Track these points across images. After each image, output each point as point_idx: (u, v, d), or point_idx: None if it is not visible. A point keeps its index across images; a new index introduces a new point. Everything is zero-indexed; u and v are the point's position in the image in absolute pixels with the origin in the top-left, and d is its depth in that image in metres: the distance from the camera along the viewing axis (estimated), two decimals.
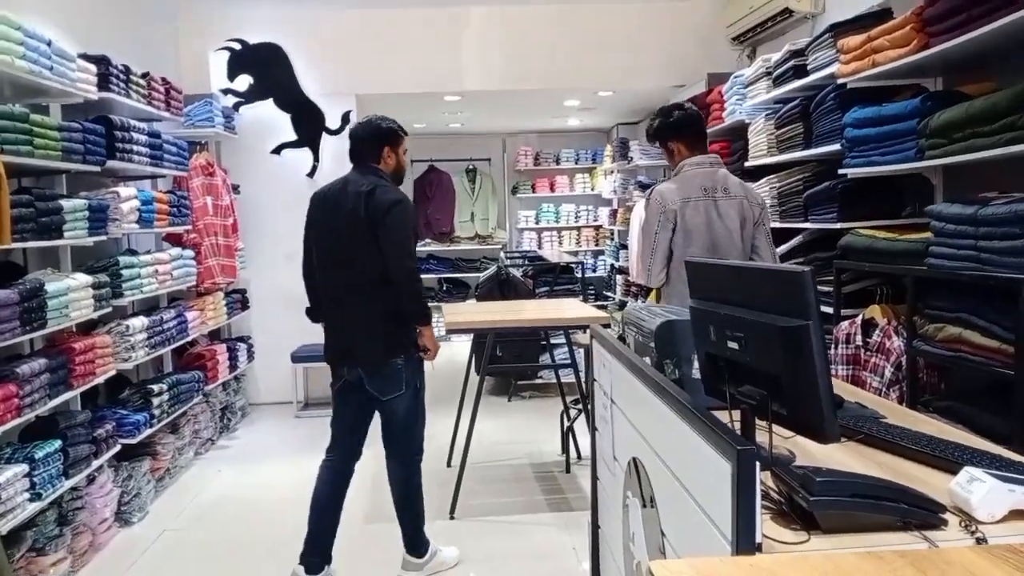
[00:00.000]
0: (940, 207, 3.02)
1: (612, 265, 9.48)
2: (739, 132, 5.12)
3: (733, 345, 1.65)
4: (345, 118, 6.67)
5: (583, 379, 4.89)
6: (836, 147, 3.77)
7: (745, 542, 1.13)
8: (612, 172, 9.46)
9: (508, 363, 6.27)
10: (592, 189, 10.44)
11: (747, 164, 4.90)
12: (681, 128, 3.40)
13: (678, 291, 3.20)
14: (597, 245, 10.53)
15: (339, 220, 3.34)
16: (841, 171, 3.73)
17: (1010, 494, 1.24)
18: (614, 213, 9.46)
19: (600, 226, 10.47)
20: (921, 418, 2.10)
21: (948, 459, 1.51)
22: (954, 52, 3.06)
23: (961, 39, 2.90)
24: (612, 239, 9.95)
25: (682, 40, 6.63)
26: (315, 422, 6.16)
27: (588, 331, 2.46)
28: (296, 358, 6.35)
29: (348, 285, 3.38)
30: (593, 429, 2.45)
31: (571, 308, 4.40)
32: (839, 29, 3.82)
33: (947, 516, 1.24)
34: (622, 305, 8.58)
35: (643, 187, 8.06)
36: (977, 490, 1.25)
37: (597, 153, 10.35)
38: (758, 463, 1.14)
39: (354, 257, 3.33)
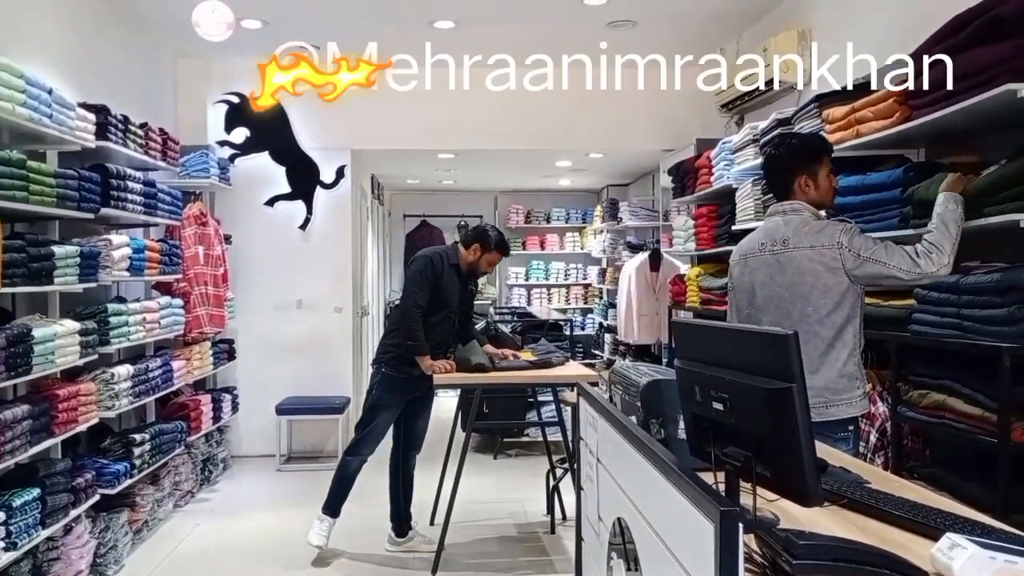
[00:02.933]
0: None
1: (600, 323, 9.52)
2: (727, 196, 5.21)
3: (718, 406, 1.67)
4: (340, 172, 6.76)
5: (570, 437, 4.87)
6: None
7: None
8: (602, 232, 9.57)
9: (494, 420, 6.24)
10: (582, 248, 10.55)
11: (734, 227, 4.97)
12: (765, 170, 3.14)
13: None
14: (586, 303, 10.59)
15: None
16: None
17: (991, 561, 1.24)
18: (603, 272, 9.54)
19: (589, 284, 10.54)
20: (905, 484, 2.11)
21: (930, 525, 1.52)
22: (935, 126, 3.15)
23: (939, 114, 2.99)
24: (601, 298, 10.01)
25: (672, 105, 6.77)
26: (298, 476, 6.10)
27: (575, 389, 2.46)
28: (281, 410, 6.30)
29: None
30: (578, 488, 2.44)
31: (559, 366, 4.40)
32: (824, 100, 3.92)
33: None
34: (610, 363, 8.58)
35: (632, 247, 8.16)
36: (958, 556, 1.26)
37: (587, 213, 10.48)
38: (741, 525, 1.14)
39: None
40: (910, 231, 3.24)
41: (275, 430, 6.29)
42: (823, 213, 3.01)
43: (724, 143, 5.18)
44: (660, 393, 2.04)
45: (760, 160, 4.58)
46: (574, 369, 4.38)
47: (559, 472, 4.92)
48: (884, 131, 3.38)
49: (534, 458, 6.38)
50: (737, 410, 1.61)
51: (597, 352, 9.40)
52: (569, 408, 4.98)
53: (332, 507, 4.32)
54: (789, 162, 2.99)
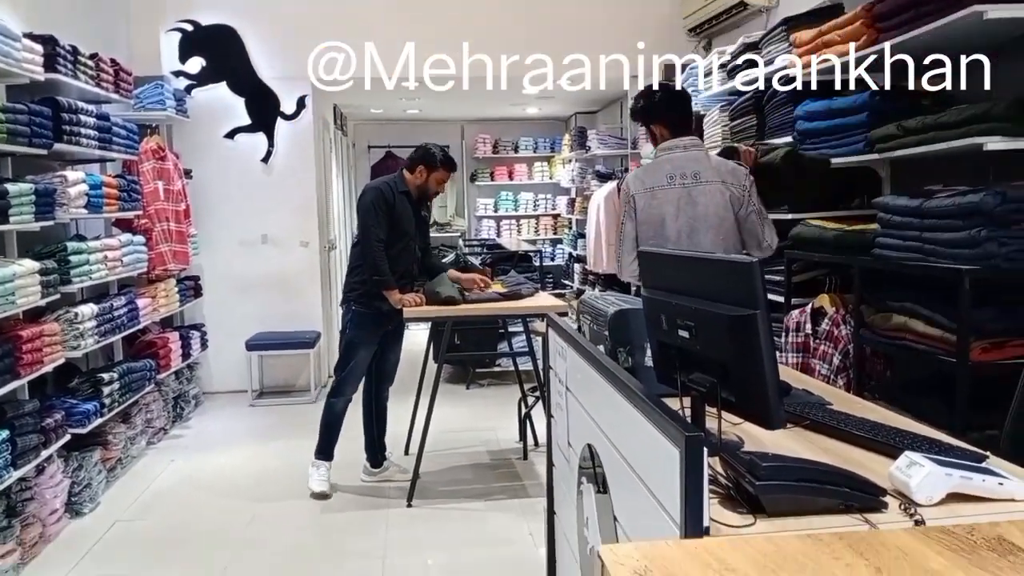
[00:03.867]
0: (887, 199, 3.10)
1: (570, 254, 9.54)
2: (695, 123, 5.16)
3: (684, 334, 1.68)
4: (300, 103, 6.59)
5: (540, 367, 4.92)
6: (788, 139, 3.84)
7: (693, 526, 1.16)
8: (570, 161, 9.50)
9: (466, 351, 6.28)
10: (551, 178, 10.49)
11: None
12: (659, 110, 3.23)
13: None
14: (556, 233, 10.58)
15: None
16: None
17: (947, 478, 1.28)
18: (572, 202, 9.51)
19: (558, 215, 10.52)
20: (867, 405, 2.16)
21: (890, 444, 1.57)
22: (904, 48, 3.14)
23: (907, 36, 2.97)
24: (570, 228, 10.00)
25: (639, 31, 6.66)
26: (270, 411, 6.12)
27: (544, 320, 2.48)
28: (251, 346, 6.28)
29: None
30: (549, 416, 2.48)
31: (529, 297, 4.41)
32: (792, 23, 3.88)
33: (888, 499, 1.29)
34: (580, 293, 8.63)
35: (601, 176, 8.12)
36: (916, 474, 1.30)
37: (556, 141, 10.39)
38: (706, 449, 1.17)
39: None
40: (875, 155, 3.27)
41: (246, 366, 6.28)
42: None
43: (691, 68, 5.12)
44: (627, 322, 2.05)
45: (728, 85, 4.55)
46: (544, 300, 4.40)
47: (530, 400, 4.99)
48: (844, 56, 3.35)
49: (506, 387, 6.45)
50: (702, 337, 1.62)
51: (567, 283, 9.44)
52: (539, 338, 5.03)
53: (324, 451, 4.31)
54: (685, 101, 3.32)
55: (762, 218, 3.13)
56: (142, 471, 4.76)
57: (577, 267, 9.03)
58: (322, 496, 4.22)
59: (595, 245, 7.43)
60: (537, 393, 4.97)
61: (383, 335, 4.35)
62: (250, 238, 6.54)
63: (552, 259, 10.12)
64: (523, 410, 5.01)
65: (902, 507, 1.27)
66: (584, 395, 1.98)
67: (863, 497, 1.28)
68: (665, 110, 3.23)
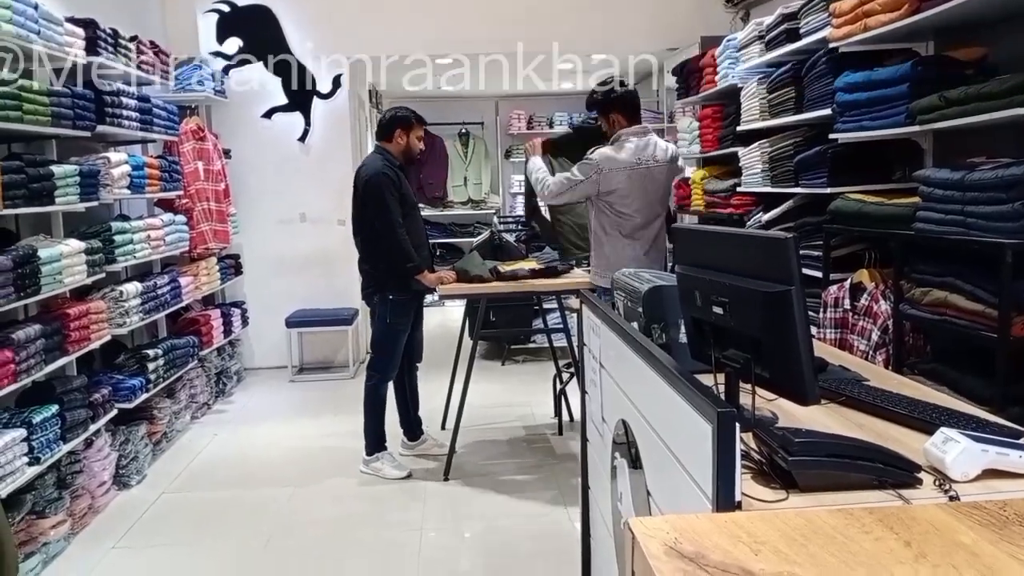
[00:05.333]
0: (928, 172, 3.04)
1: None
2: (732, 96, 5.10)
3: (718, 310, 1.68)
4: (336, 82, 6.63)
5: (574, 343, 4.94)
6: (827, 112, 3.77)
7: (725, 500, 1.17)
8: None
9: (501, 328, 6.31)
10: None
11: (739, 128, 4.89)
12: (623, 103, 3.95)
13: (611, 247, 3.89)
14: None
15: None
16: (832, 136, 3.74)
17: (983, 454, 1.28)
18: None
19: None
20: (904, 380, 2.14)
21: (925, 420, 1.56)
22: (945, 17, 3.06)
23: (951, 4, 2.89)
24: None
25: (676, 3, 6.58)
26: (310, 387, 6.23)
27: (579, 296, 2.49)
28: (290, 323, 6.38)
29: (357, 243, 4.38)
30: (583, 392, 2.49)
31: (564, 274, 4.41)
32: None
33: (922, 475, 1.29)
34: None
35: None
36: (951, 450, 1.29)
37: (590, 116, 10.29)
38: (738, 424, 1.17)
39: (356, 219, 4.35)
40: (916, 127, 3.20)
41: (285, 342, 6.39)
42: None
43: (728, 40, 5.04)
44: (661, 299, 2.05)
45: (767, 57, 4.48)
46: (578, 277, 4.39)
47: (565, 376, 5.01)
48: (892, 24, 3.28)
49: (541, 363, 6.49)
50: (736, 313, 1.62)
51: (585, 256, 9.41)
52: (574, 315, 5.04)
53: (378, 442, 4.28)
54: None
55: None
56: (187, 445, 4.89)
57: None
58: (407, 476, 4.22)
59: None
60: (572, 369, 4.99)
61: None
62: (288, 217, 6.63)
63: None
64: (558, 386, 5.04)
65: (936, 483, 1.27)
66: (618, 371, 1.99)
67: (897, 472, 1.27)
68: (626, 103, 3.96)
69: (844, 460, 1.27)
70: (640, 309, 2.15)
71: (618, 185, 3.80)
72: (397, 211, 4.08)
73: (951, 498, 1.22)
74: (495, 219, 9.05)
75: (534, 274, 4.28)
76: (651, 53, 7.05)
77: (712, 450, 1.19)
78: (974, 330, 2.75)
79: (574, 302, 4.92)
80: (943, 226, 2.91)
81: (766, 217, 4.48)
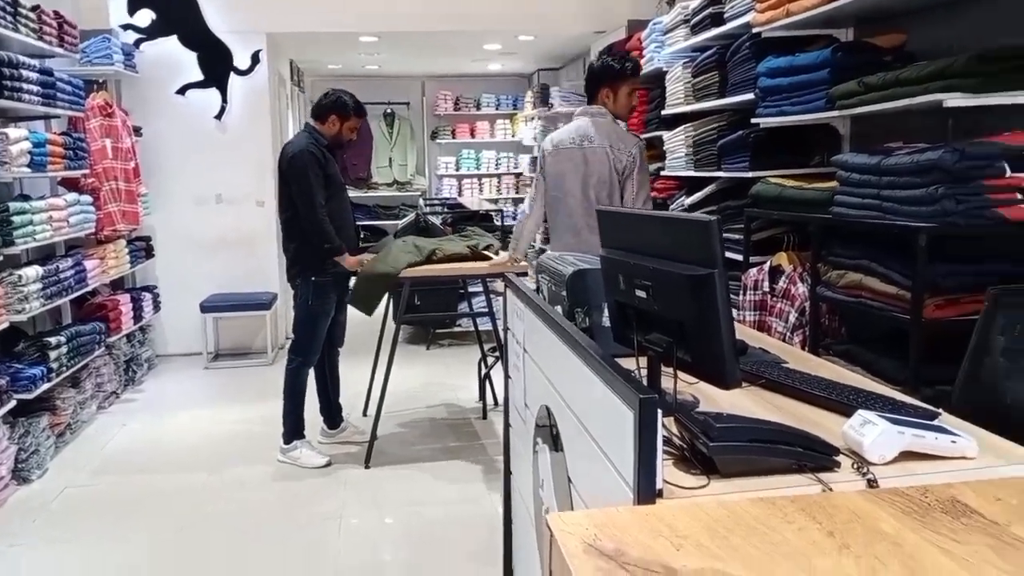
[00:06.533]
0: (846, 157, 3.08)
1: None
2: (658, 80, 5.11)
3: (641, 293, 1.65)
4: (255, 58, 6.40)
5: (500, 327, 4.90)
6: (750, 96, 3.80)
7: (646, 489, 1.13)
8: (533, 119, 9.39)
9: (426, 312, 6.22)
10: (513, 136, 10.37)
11: (664, 112, 4.91)
12: (587, 80, 3.80)
13: (558, 237, 3.62)
14: (518, 193, 10.49)
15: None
16: (754, 120, 3.77)
17: (900, 436, 1.27)
18: (534, 160, 9.42)
19: (521, 174, 10.42)
20: (822, 363, 2.16)
21: (843, 402, 1.56)
22: (866, 4, 3.10)
23: None
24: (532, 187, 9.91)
25: None
26: (226, 373, 6.03)
27: (503, 280, 2.43)
28: (206, 308, 6.15)
29: (281, 224, 4.24)
30: (506, 377, 2.44)
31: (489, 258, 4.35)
32: None
33: (841, 459, 1.28)
34: (540, 253, 8.60)
35: None
36: (869, 433, 1.28)
37: (518, 99, 10.25)
38: (660, 411, 1.14)
39: (280, 198, 4.19)
40: (835, 113, 3.24)
41: (200, 328, 6.16)
42: (620, 122, 3.81)
43: (655, 24, 5.05)
44: (585, 282, 2.01)
45: (692, 41, 4.49)
46: (504, 261, 4.33)
47: (490, 361, 4.97)
48: (814, 9, 3.31)
49: (466, 347, 6.43)
50: (660, 297, 1.59)
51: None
52: (499, 299, 5.00)
53: (296, 430, 4.15)
54: (599, 75, 3.69)
55: (641, 186, 3.57)
56: (93, 436, 4.66)
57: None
58: (326, 465, 4.10)
59: None
60: (497, 353, 4.95)
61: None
62: (204, 197, 6.38)
63: (514, 218, 10.04)
64: (482, 370, 4.99)
65: (855, 466, 1.26)
66: (541, 356, 1.95)
67: (816, 456, 1.26)
68: (587, 81, 3.77)
69: (764, 444, 1.25)
70: (564, 293, 2.11)
71: (552, 166, 3.62)
72: (320, 191, 3.96)
73: (869, 482, 1.21)
74: (421, 201, 8.93)
75: (460, 258, 4.19)
76: (578, 35, 7.03)
77: (633, 437, 1.15)
78: (888, 312, 2.80)
79: (500, 286, 4.88)
80: (860, 210, 2.95)
81: (689, 200, 4.51)
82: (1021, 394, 2.19)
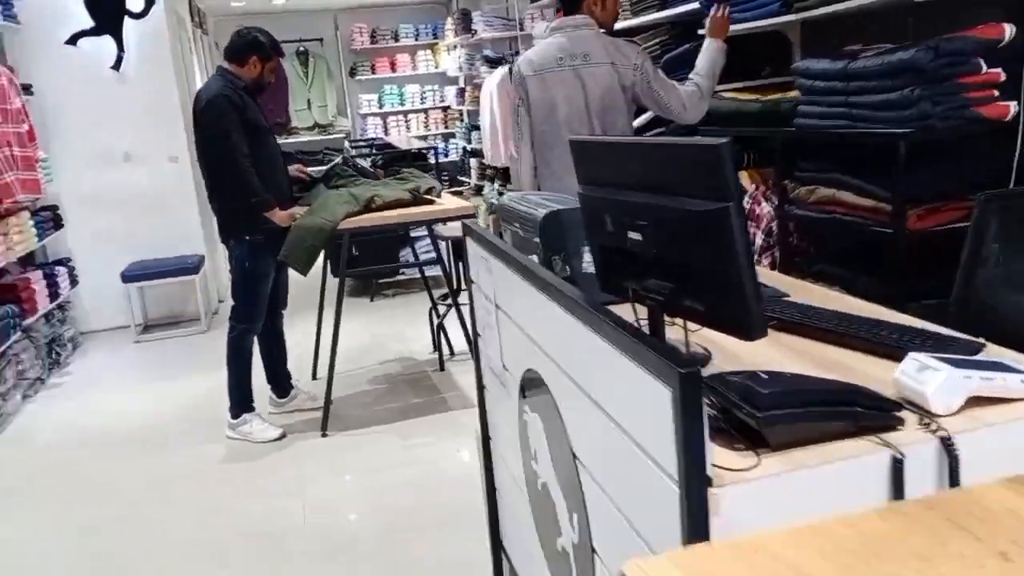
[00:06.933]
0: (806, 64, 2.89)
1: (464, 148, 9.15)
2: None
3: (635, 236, 1.44)
4: None
5: (452, 273, 4.66)
6: (694, 6, 3.56)
7: (695, 481, 0.94)
8: (455, 47, 8.97)
9: (366, 264, 5.91)
10: (436, 67, 9.94)
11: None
12: None
13: (557, 179, 2.94)
14: (447, 128, 10.12)
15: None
16: (700, 32, 3.54)
17: (966, 381, 1.11)
18: (462, 92, 9.05)
19: (448, 107, 10.04)
20: (804, 285, 2.00)
21: (883, 343, 1.38)
22: None
23: None
24: (462, 120, 9.57)
25: None
26: (158, 346, 5.66)
27: (461, 227, 2.19)
28: (127, 277, 5.72)
29: (205, 179, 3.81)
30: (475, 335, 2.22)
31: (433, 200, 4.06)
32: None
33: (902, 414, 1.10)
34: (478, 190, 8.32)
35: (490, 62, 7.68)
36: (930, 380, 1.11)
37: (438, 27, 9.79)
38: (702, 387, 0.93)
39: (199, 151, 3.79)
40: (791, 16, 3.04)
41: (125, 299, 5.74)
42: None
43: None
44: (561, 225, 1.79)
45: None
46: (449, 203, 4.07)
47: (442, 309, 4.74)
48: None
49: (412, 296, 6.18)
50: (659, 239, 1.38)
51: (464, 179, 9.08)
52: (443, 243, 4.73)
53: (245, 402, 3.86)
54: None
55: (666, 88, 3.00)
56: (23, 429, 4.31)
57: (473, 162, 8.68)
58: (281, 436, 3.84)
59: (491, 137, 7.07)
60: (448, 301, 4.72)
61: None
62: (110, 157, 5.88)
63: (446, 155, 9.70)
64: (434, 319, 4.77)
65: (921, 422, 1.09)
66: (520, 314, 1.73)
67: (876, 415, 1.08)
68: None
69: (820, 409, 1.06)
70: (537, 239, 1.88)
71: (536, 94, 3.00)
72: (240, 138, 3.59)
73: (944, 440, 1.04)
74: (346, 143, 8.51)
75: (402, 204, 3.89)
76: None
77: (674, 420, 0.95)
78: (867, 226, 2.66)
79: (444, 229, 4.62)
80: (827, 119, 2.78)
81: (637, 122, 4.28)
82: (1016, 305, 2.08)
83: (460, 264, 4.91)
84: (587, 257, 1.79)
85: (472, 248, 2.11)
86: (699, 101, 3.02)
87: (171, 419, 4.26)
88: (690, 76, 3.05)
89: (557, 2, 3.13)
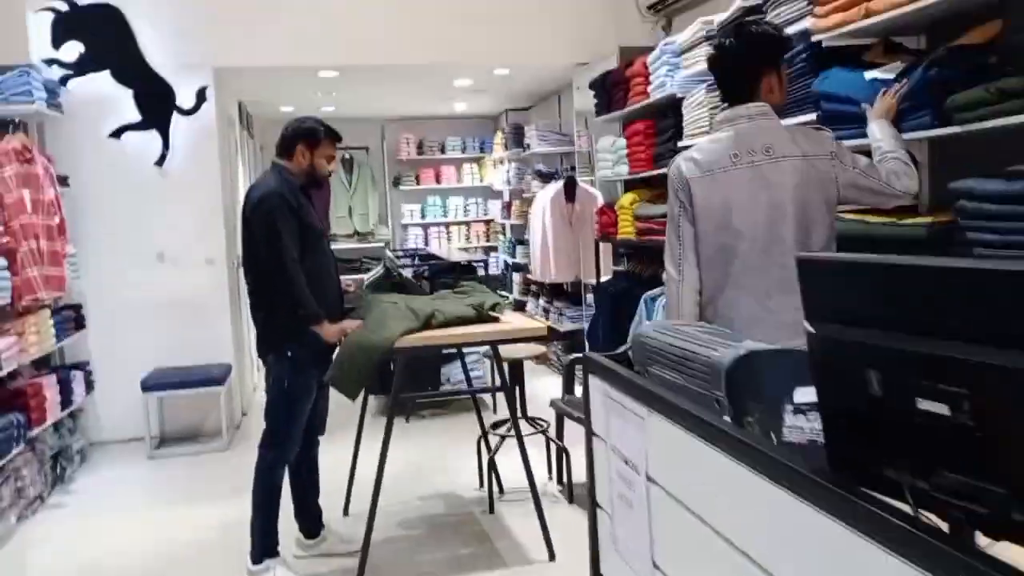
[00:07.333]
0: (971, 184, 2.44)
1: (506, 262, 8.79)
2: (668, 109, 4.51)
3: (934, 407, 0.94)
4: (200, 95, 5.62)
5: (514, 401, 4.13)
6: (810, 117, 3.18)
7: None
8: (503, 161, 8.77)
9: (403, 380, 5.40)
10: (481, 180, 9.73)
11: (681, 143, 4.28)
12: (720, 66, 2.49)
13: (728, 305, 2.39)
14: (488, 240, 9.82)
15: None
16: None
17: None
18: (507, 206, 8.79)
19: (491, 220, 9.77)
20: None
21: None
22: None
23: None
24: (504, 234, 9.27)
25: (587, 12, 5.99)
26: (174, 463, 5.12)
27: (583, 362, 1.70)
28: (148, 386, 5.24)
29: (248, 285, 3.44)
30: (594, 505, 1.70)
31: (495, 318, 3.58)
32: None
33: None
34: (520, 306, 7.90)
35: (542, 176, 7.42)
36: None
37: (486, 142, 9.64)
38: None
39: (246, 255, 3.43)
40: (955, 128, 2.62)
41: (142, 409, 5.23)
42: None
43: (666, 44, 4.44)
44: (755, 374, 1.30)
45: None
46: (519, 321, 3.59)
47: (493, 440, 4.20)
48: (903, 6, 2.71)
49: (452, 418, 5.65)
50: (989, 416, 0.88)
51: (504, 293, 8.68)
52: (488, 361, 4.23)
53: (269, 545, 3.31)
54: (755, 57, 2.43)
55: (870, 168, 2.42)
56: (11, 556, 3.74)
57: (516, 276, 8.31)
58: None
59: (541, 252, 6.72)
60: (502, 430, 4.20)
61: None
62: (143, 256, 5.52)
63: (487, 269, 9.34)
64: (482, 451, 4.22)
65: None
66: (698, 495, 1.22)
67: None
68: (714, 70, 2.55)
69: None
70: (719, 392, 1.37)
71: (705, 200, 2.40)
72: (292, 242, 3.18)
73: None
74: (387, 252, 8.18)
75: (464, 321, 3.42)
76: (559, 68, 6.44)
77: None
78: None
79: (506, 350, 4.13)
80: (1002, 248, 2.32)
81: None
82: None
83: (516, 388, 4.42)
84: (790, 420, 1.29)
85: (600, 392, 1.62)
86: (908, 168, 2.43)
87: (183, 555, 3.68)
88: (875, 159, 2.46)
89: (721, 93, 2.56)
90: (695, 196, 2.42)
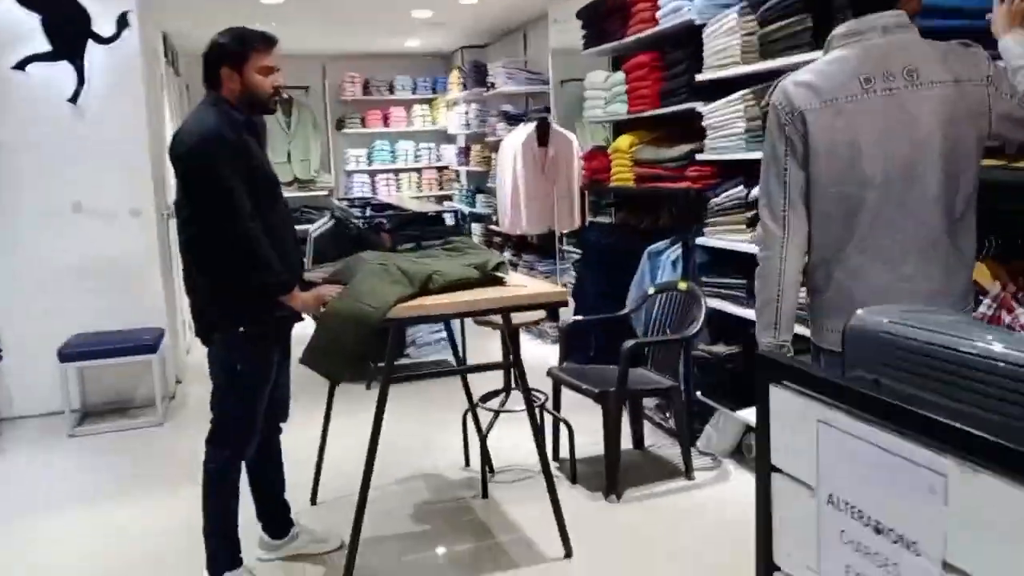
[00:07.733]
0: None
1: (462, 212, 8.18)
2: (680, 39, 3.97)
3: None
4: (122, 21, 4.84)
5: (515, 370, 3.61)
6: None
7: None
8: (459, 103, 8.10)
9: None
10: (434, 123, 9.03)
11: (701, 78, 3.76)
12: None
13: (850, 273, 1.91)
14: (442, 189, 9.18)
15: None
16: None
17: None
18: (464, 151, 8.15)
19: (445, 167, 9.11)
20: None
21: None
22: None
23: None
24: (459, 182, 8.65)
25: None
26: (100, 441, 4.45)
27: (757, 361, 1.17)
28: (66, 355, 4.50)
29: (182, 244, 2.71)
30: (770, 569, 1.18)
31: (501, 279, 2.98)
32: None
33: None
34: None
35: (511, 119, 6.80)
36: None
37: (438, 82, 8.93)
38: None
39: (178, 210, 2.72)
40: None
41: (60, 381, 4.50)
42: None
43: None
44: None
45: None
46: (535, 285, 3.02)
47: (484, 416, 3.67)
48: None
49: (422, 384, 5.06)
50: None
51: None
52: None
53: (226, 557, 2.72)
54: None
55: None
56: None
57: (476, 227, 7.71)
58: None
59: (512, 202, 6.13)
60: (493, 403, 3.69)
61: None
62: (57, 207, 4.74)
63: (463, 219, 8.73)
64: (469, 425, 3.71)
65: None
66: None
67: None
68: None
69: None
70: (1009, 409, 0.87)
71: (824, 136, 1.90)
72: (243, 193, 2.50)
73: None
74: (334, 201, 7.50)
75: (467, 284, 2.84)
76: None
77: None
78: None
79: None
80: None
81: (755, 192, 3.36)
82: None
83: (511, 356, 3.88)
84: None
85: (795, 406, 1.09)
86: None
87: (113, 555, 3.07)
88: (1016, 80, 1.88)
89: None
90: (811, 132, 1.90)
